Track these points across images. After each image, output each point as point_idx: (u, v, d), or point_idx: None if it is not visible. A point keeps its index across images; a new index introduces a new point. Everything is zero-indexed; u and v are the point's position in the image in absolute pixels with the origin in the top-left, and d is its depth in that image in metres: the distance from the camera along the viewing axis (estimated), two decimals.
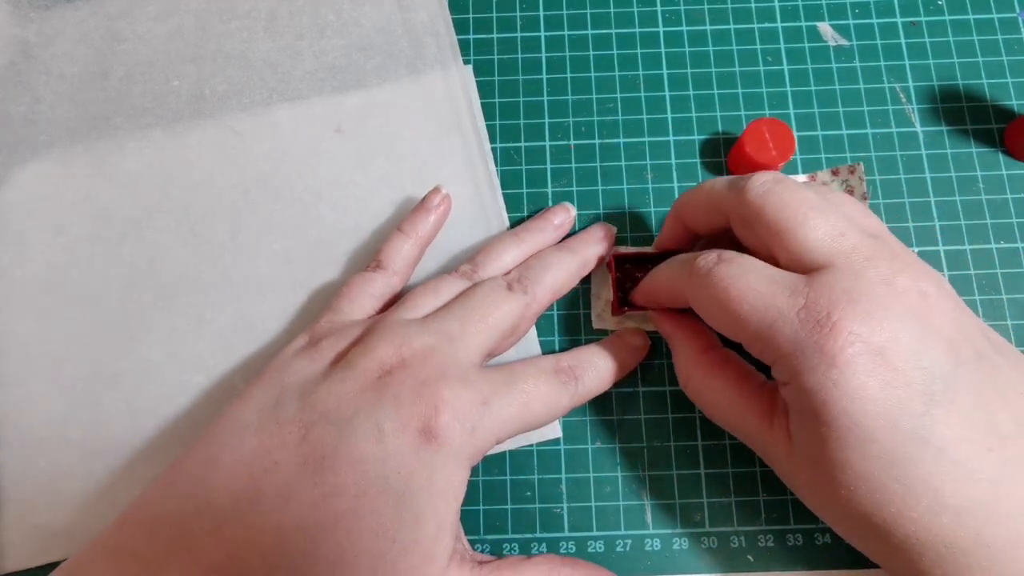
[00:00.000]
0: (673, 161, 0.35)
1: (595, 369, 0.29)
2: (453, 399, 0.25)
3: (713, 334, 0.29)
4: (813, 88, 0.36)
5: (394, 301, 0.31)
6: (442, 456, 0.24)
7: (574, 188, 0.35)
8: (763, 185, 0.25)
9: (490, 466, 0.32)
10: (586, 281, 0.33)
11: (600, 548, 0.30)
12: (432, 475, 0.24)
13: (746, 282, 0.24)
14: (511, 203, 0.35)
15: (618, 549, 0.30)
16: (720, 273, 0.24)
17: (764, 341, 0.23)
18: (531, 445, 0.32)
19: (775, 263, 0.25)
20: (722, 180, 0.27)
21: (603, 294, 0.33)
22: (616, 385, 0.31)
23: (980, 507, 0.21)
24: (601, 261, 0.33)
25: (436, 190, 0.33)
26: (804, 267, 0.24)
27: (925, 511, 0.21)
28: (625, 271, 0.32)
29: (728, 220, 0.27)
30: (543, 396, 0.27)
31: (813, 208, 0.24)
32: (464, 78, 0.36)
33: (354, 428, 0.24)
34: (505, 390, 0.26)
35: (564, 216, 0.33)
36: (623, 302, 0.32)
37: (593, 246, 0.32)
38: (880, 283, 0.23)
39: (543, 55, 0.37)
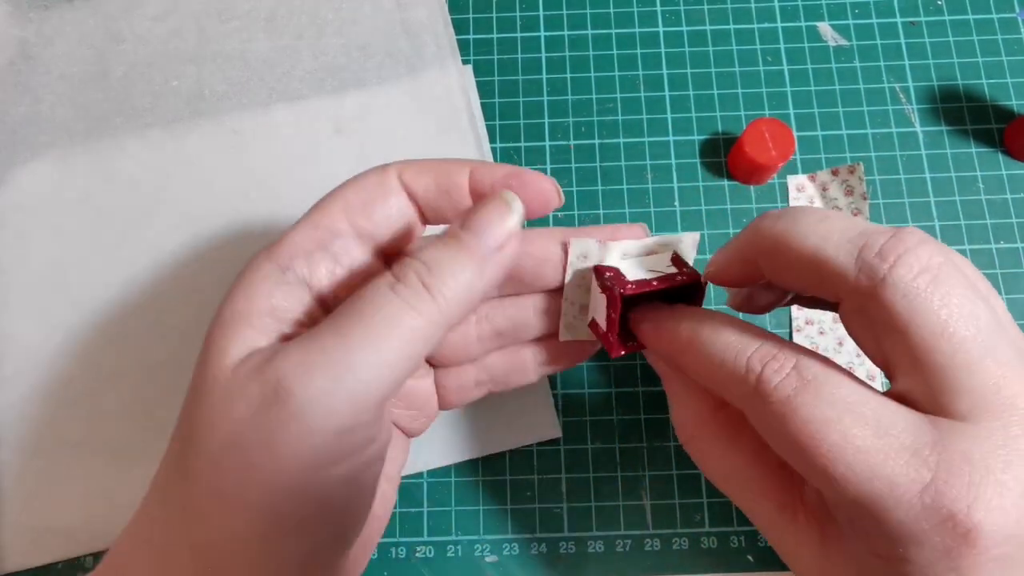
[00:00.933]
0: (673, 161, 0.35)
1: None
2: None
3: None
4: (813, 88, 0.36)
5: None
6: None
7: (574, 188, 0.35)
8: (917, 282, 0.17)
9: (490, 466, 0.32)
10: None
11: (600, 548, 0.30)
12: None
13: (843, 431, 0.17)
14: None
15: (618, 549, 0.30)
16: (803, 407, 0.18)
17: (860, 509, 0.17)
18: (531, 445, 0.32)
19: (886, 366, 0.19)
20: (840, 235, 0.19)
21: (579, 300, 0.25)
22: (616, 385, 0.31)
23: None
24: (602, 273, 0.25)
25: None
26: (939, 407, 0.17)
27: None
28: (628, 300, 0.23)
29: (836, 297, 0.20)
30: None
31: (987, 341, 0.17)
32: (463, 77, 0.36)
33: None
34: None
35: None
36: (627, 338, 0.24)
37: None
38: None
39: (543, 55, 0.37)
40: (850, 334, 0.20)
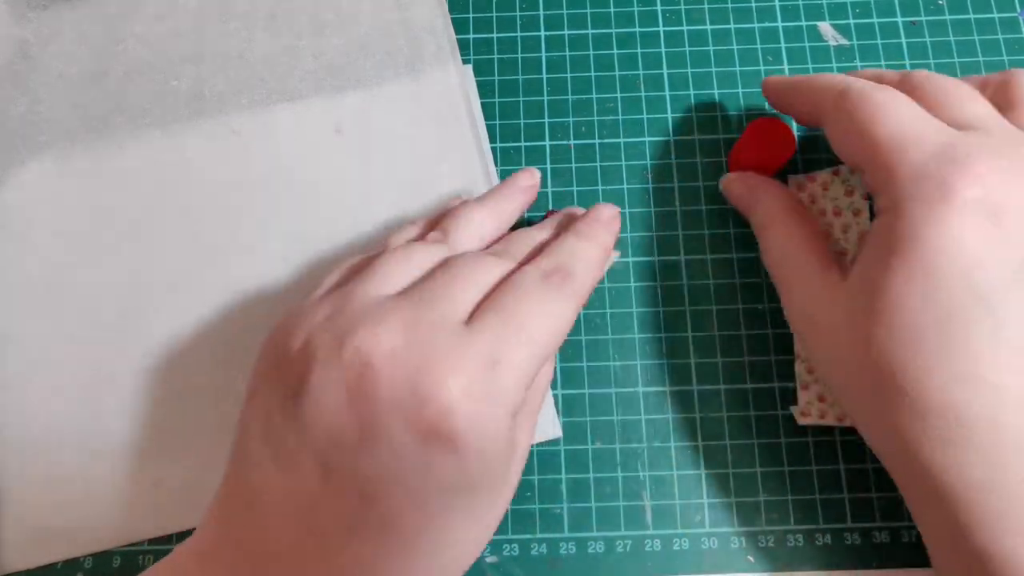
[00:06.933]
0: (673, 161, 0.35)
1: (581, 258, 0.26)
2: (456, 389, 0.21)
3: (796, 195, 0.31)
4: None
5: None
6: (457, 457, 0.21)
7: (574, 188, 0.35)
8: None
9: None
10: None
11: (600, 548, 0.30)
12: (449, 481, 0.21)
13: (896, 109, 0.24)
14: None
15: (618, 549, 0.30)
16: (874, 99, 0.24)
17: (887, 159, 0.23)
18: (531, 445, 0.32)
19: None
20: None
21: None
22: (617, 385, 0.31)
23: (1008, 394, 0.20)
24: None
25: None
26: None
27: (950, 379, 0.20)
28: None
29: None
30: (548, 316, 0.23)
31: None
32: (463, 76, 0.36)
33: (368, 451, 0.20)
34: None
35: (529, 179, 0.30)
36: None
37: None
38: None
39: (543, 55, 0.37)
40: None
